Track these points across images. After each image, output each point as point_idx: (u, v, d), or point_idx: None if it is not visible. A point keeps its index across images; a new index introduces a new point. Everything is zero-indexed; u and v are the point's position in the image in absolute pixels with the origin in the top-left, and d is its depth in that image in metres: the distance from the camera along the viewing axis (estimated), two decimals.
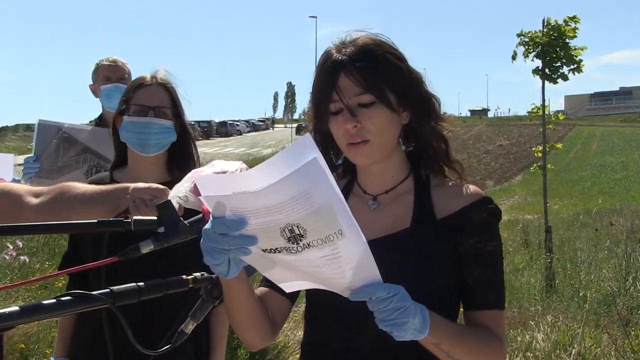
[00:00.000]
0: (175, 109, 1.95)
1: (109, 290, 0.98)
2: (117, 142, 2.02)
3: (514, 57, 7.60)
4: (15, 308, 0.88)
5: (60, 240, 6.74)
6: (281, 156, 0.89)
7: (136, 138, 1.91)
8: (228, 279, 1.09)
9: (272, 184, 0.89)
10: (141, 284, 1.04)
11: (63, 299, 0.91)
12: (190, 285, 1.14)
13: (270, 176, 0.89)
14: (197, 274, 1.18)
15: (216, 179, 0.97)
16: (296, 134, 42.83)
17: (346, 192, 1.39)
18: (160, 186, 1.48)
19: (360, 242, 0.96)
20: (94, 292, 0.93)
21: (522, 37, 7.45)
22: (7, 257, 5.42)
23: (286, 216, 0.92)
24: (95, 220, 1.25)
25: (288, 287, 1.14)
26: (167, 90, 1.94)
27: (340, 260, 0.97)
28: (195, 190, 1.33)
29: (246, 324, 1.28)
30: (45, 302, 0.90)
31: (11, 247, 5.29)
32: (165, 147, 1.94)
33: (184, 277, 1.15)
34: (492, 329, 1.26)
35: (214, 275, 1.20)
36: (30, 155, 2.90)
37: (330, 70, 1.26)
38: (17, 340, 4.39)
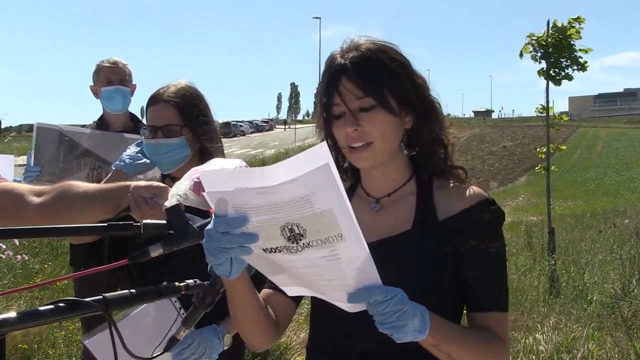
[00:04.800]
0: (189, 122, 1.91)
1: (101, 297, 0.98)
2: None
3: (521, 55, 7.59)
4: (12, 314, 0.88)
5: (62, 241, 6.74)
6: (294, 159, 0.91)
7: (152, 158, 1.99)
8: (230, 279, 1.09)
9: (279, 184, 0.90)
10: (134, 290, 1.05)
11: (57, 305, 0.91)
12: (182, 292, 1.14)
13: (279, 175, 0.91)
14: (190, 281, 1.18)
15: (220, 174, 0.98)
16: None
17: (350, 194, 1.40)
18: (161, 184, 1.50)
19: (361, 247, 0.97)
20: (86, 299, 0.94)
21: (530, 38, 7.45)
22: (4, 256, 5.36)
23: (286, 215, 0.94)
24: (105, 224, 1.25)
25: (291, 291, 1.15)
26: (176, 106, 1.91)
27: (340, 262, 0.98)
28: (195, 188, 1.33)
29: (250, 325, 1.28)
30: (41, 308, 0.91)
31: (4, 246, 5.20)
32: (181, 161, 1.92)
33: (177, 284, 1.15)
34: (494, 331, 1.25)
35: (206, 283, 1.20)
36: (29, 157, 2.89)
37: (333, 74, 1.28)
38: (19, 340, 4.39)
